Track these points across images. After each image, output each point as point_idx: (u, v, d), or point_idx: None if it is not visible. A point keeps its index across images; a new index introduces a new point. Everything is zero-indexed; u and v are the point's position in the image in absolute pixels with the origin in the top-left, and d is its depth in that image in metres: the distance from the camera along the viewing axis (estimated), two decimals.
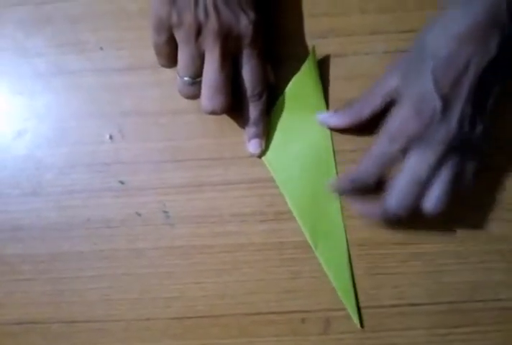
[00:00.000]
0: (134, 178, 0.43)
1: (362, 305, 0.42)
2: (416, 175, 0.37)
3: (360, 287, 0.42)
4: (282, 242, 0.42)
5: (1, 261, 0.43)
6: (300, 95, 0.43)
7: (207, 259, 0.42)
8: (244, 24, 0.38)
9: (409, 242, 0.42)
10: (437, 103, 0.36)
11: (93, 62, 0.45)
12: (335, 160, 0.43)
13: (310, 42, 0.44)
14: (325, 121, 0.42)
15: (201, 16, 0.37)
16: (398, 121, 0.37)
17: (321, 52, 0.43)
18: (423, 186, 0.37)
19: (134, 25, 0.44)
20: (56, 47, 0.45)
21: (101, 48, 0.45)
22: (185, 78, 0.39)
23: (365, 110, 0.40)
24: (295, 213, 0.42)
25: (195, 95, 0.40)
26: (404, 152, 0.37)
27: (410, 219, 0.39)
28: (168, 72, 0.42)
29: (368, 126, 0.40)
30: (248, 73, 0.40)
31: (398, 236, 0.42)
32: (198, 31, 0.38)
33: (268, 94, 0.41)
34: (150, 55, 0.41)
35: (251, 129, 0.42)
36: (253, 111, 0.41)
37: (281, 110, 0.43)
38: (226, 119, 0.43)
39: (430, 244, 0.42)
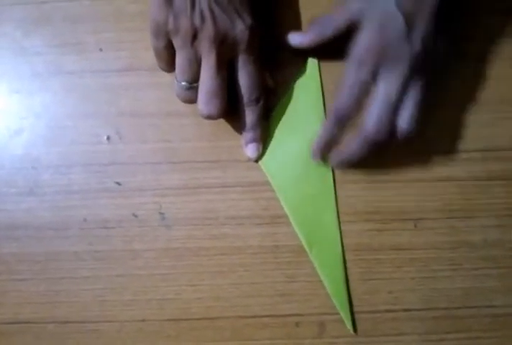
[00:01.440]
0: (130, 179, 0.43)
1: (356, 309, 0.42)
2: (387, 97, 0.38)
3: (354, 292, 0.42)
4: (278, 246, 0.42)
5: None
6: (299, 102, 0.43)
7: (202, 262, 0.43)
8: (240, 29, 0.38)
9: (404, 248, 0.42)
10: (401, 22, 0.36)
11: (91, 62, 0.44)
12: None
13: None
14: (291, 40, 0.42)
15: (197, 21, 0.37)
16: (364, 43, 0.37)
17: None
18: (395, 107, 0.38)
19: (134, 26, 0.44)
20: (55, 47, 0.45)
21: (101, 49, 0.44)
22: (183, 83, 0.40)
23: (328, 29, 0.40)
24: (290, 217, 0.42)
25: (193, 100, 0.40)
26: (374, 75, 0.38)
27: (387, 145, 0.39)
28: (166, 74, 0.42)
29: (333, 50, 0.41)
30: (244, 79, 0.40)
31: (394, 241, 0.42)
32: (194, 37, 0.38)
33: (266, 99, 0.41)
34: (149, 57, 0.41)
35: (248, 134, 0.42)
36: (250, 115, 0.41)
37: (279, 115, 0.43)
38: (223, 122, 0.43)
39: (424, 250, 0.42)
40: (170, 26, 0.37)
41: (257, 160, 0.43)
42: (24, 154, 0.44)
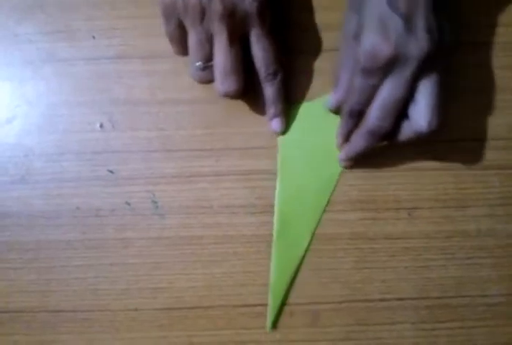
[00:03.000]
0: (123, 167, 0.43)
1: (349, 298, 0.42)
2: (392, 92, 0.37)
3: (347, 281, 0.42)
4: (272, 235, 0.42)
5: None
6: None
7: (196, 250, 0.42)
8: (249, 1, 0.38)
9: (398, 237, 0.42)
10: (399, 23, 0.36)
11: (84, 50, 0.44)
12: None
13: (322, 35, 0.44)
14: (327, 106, 0.42)
15: None
16: (368, 51, 0.37)
17: (333, 45, 0.43)
18: (400, 101, 0.37)
19: (126, 14, 0.44)
20: (47, 34, 0.44)
21: (93, 37, 0.44)
22: (197, 64, 0.39)
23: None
24: (276, 203, 0.42)
25: (209, 80, 0.40)
26: (383, 79, 0.37)
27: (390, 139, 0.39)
28: (159, 62, 0.42)
29: None
30: (260, 52, 0.40)
31: (388, 230, 0.42)
32: (203, 14, 0.37)
33: (284, 74, 0.41)
34: (142, 44, 0.41)
35: (270, 109, 0.42)
36: (269, 90, 0.41)
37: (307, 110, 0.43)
38: (217, 110, 0.43)
39: (418, 239, 0.42)
40: (179, 6, 0.37)
41: (282, 134, 0.43)
42: (16, 142, 0.44)
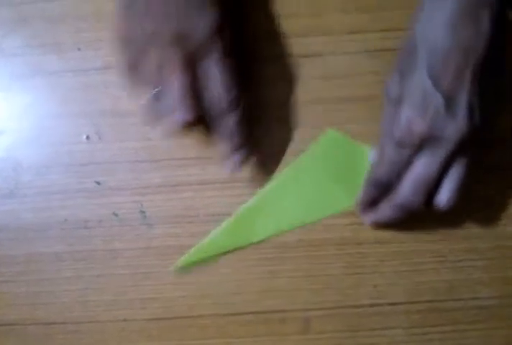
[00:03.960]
0: (110, 178, 0.43)
1: (340, 304, 0.42)
2: (426, 171, 0.36)
3: (338, 287, 0.42)
4: (260, 242, 0.42)
5: None
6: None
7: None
8: (201, 27, 0.36)
9: (387, 241, 0.42)
10: (440, 101, 0.34)
11: (71, 62, 0.44)
12: None
13: (288, 41, 0.43)
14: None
15: (159, 25, 0.36)
16: (403, 125, 0.35)
17: (299, 51, 0.43)
18: (432, 180, 0.36)
19: (112, 25, 0.44)
20: (33, 47, 0.45)
21: (79, 49, 0.44)
22: (152, 92, 0.38)
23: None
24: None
25: (164, 109, 0.38)
26: (415, 153, 0.36)
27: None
28: None
29: None
30: (215, 80, 0.37)
31: (377, 235, 0.42)
32: (154, 40, 0.37)
33: (244, 104, 0.39)
34: None
35: (226, 144, 0.39)
36: (227, 122, 0.38)
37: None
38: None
39: (408, 243, 0.42)
40: (134, 33, 0.37)
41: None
42: (5, 156, 0.44)
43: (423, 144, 0.36)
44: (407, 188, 0.37)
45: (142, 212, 0.43)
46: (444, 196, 0.37)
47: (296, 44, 0.43)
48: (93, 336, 0.42)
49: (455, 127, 0.34)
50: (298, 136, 0.43)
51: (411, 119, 0.35)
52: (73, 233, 0.43)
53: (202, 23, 0.37)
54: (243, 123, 0.39)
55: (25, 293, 0.42)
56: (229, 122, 0.38)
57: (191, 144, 0.43)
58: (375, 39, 0.43)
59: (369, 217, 0.40)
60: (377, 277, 0.42)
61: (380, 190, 0.39)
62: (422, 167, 0.36)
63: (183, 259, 0.42)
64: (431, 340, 0.41)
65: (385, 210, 0.39)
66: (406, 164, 0.37)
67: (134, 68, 0.39)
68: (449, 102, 0.34)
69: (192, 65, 0.37)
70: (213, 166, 0.43)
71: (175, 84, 0.37)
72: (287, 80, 0.43)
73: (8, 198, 0.43)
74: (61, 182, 0.43)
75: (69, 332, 0.42)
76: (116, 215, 0.43)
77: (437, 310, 0.41)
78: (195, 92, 0.37)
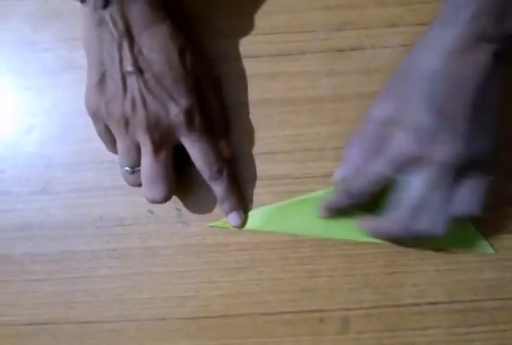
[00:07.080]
0: None
1: (379, 304, 0.41)
2: (411, 199, 0.35)
3: (378, 286, 0.41)
4: (299, 240, 0.41)
5: (11, 261, 0.42)
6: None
7: (221, 258, 0.42)
8: (174, 113, 0.37)
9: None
10: (437, 127, 0.34)
11: None
12: None
13: (325, 34, 0.43)
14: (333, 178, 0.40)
15: (128, 108, 0.37)
16: (396, 146, 0.35)
17: (336, 45, 0.42)
18: (416, 210, 0.35)
19: None
20: (64, 41, 0.44)
21: None
22: (125, 168, 0.39)
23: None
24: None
25: (138, 184, 0.39)
26: (399, 173, 0.36)
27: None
28: None
29: None
30: (198, 155, 0.39)
31: None
32: (127, 124, 0.37)
33: (228, 167, 0.41)
34: None
35: (224, 205, 0.41)
36: (219, 189, 0.40)
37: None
38: None
39: None
40: (103, 112, 0.37)
41: (241, 226, 0.42)
42: (36, 152, 0.43)
43: (414, 167, 0.35)
44: (390, 220, 0.37)
45: (178, 209, 0.42)
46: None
47: (334, 38, 0.42)
48: (129, 334, 0.41)
49: (450, 151, 0.34)
50: (339, 131, 0.42)
51: (405, 144, 0.35)
52: (109, 230, 0.42)
53: (175, 110, 0.37)
54: (233, 188, 0.41)
55: (60, 292, 0.42)
56: (220, 188, 0.40)
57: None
58: (413, 33, 0.42)
59: (363, 224, 0.40)
60: (418, 275, 0.41)
61: (351, 203, 0.38)
62: (416, 188, 0.35)
63: (220, 222, 0.41)
64: (472, 340, 0.41)
65: (382, 229, 0.38)
66: (384, 183, 0.36)
67: (107, 140, 0.40)
68: (446, 128, 0.34)
69: (166, 147, 0.38)
70: (251, 163, 0.42)
71: (146, 167, 0.38)
72: (328, 74, 0.43)
73: (41, 195, 0.43)
74: (94, 179, 0.43)
75: (105, 331, 0.42)
76: (151, 212, 0.42)
77: (478, 310, 0.41)
78: (168, 173, 0.38)
